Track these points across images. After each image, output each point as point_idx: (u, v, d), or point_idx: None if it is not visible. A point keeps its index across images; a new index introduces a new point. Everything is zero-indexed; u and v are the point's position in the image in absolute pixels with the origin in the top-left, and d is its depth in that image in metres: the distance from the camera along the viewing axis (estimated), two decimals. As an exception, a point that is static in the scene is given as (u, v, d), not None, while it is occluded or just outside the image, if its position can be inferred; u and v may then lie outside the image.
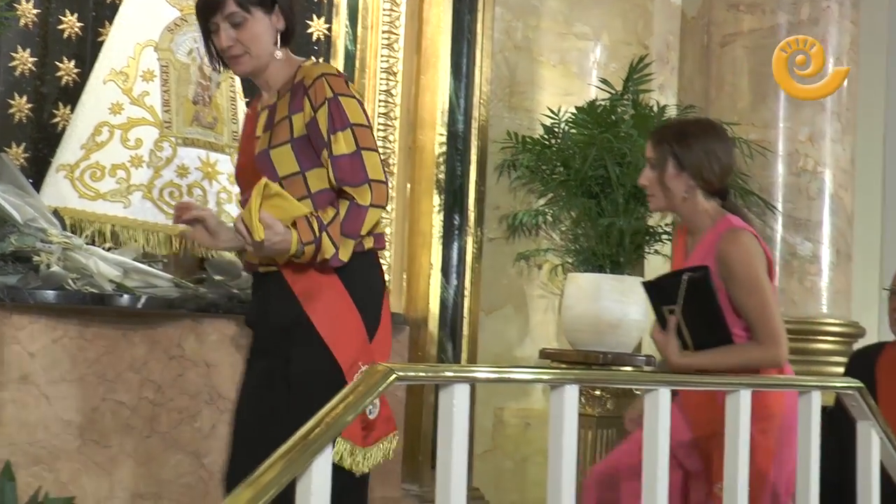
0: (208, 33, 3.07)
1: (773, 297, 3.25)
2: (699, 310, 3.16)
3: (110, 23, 4.39)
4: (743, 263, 3.21)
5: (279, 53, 3.07)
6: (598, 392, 4.63)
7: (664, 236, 5.05)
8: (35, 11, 4.34)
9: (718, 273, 3.21)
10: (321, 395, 2.50)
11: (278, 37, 3.06)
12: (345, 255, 2.91)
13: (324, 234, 2.88)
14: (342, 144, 2.92)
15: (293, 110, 2.97)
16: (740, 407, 2.73)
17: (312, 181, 2.96)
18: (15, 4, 4.20)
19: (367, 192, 2.92)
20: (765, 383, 3.02)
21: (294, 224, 2.87)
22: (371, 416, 3.02)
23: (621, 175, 4.69)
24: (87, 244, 3.93)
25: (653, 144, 3.36)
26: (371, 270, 3.06)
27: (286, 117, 2.98)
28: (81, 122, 4.17)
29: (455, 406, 2.21)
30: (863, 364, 4.16)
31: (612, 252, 4.82)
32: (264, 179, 2.86)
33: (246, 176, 3.10)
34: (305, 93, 2.95)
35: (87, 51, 4.44)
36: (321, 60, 4.83)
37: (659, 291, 3.28)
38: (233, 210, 4.17)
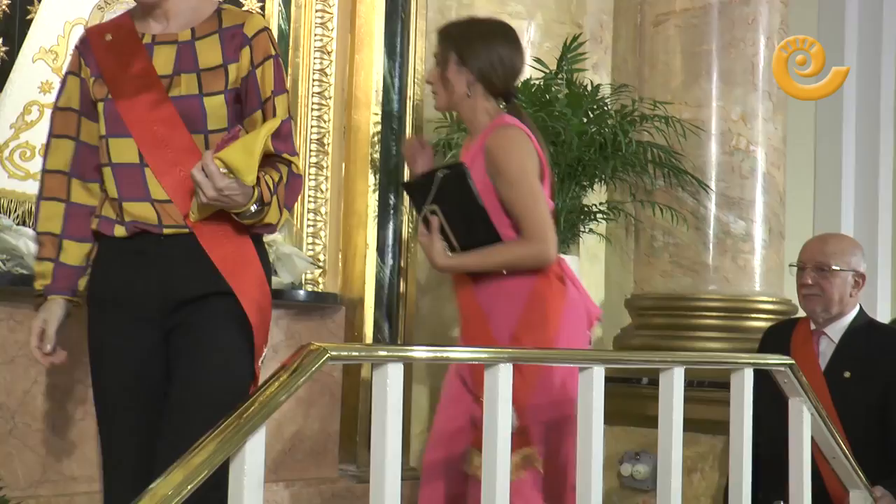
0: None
1: (539, 193, 3.24)
2: (462, 210, 3.18)
3: (39, 1, 4.33)
4: (508, 157, 3.22)
5: None
6: (533, 370, 4.65)
7: (599, 215, 5.08)
8: (-40, -11, 4.27)
9: (487, 170, 3.23)
10: (236, 374, 2.57)
11: None
12: (279, 225, 2.76)
13: (274, 196, 2.68)
14: (282, 108, 2.76)
15: (228, 59, 2.71)
16: (673, 385, 2.75)
17: None
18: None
19: (300, 161, 2.83)
20: (698, 360, 3.05)
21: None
22: None
23: (556, 154, 4.69)
24: (18, 225, 3.88)
25: (438, 41, 3.41)
26: (266, 252, 2.86)
27: (220, 66, 2.71)
28: (10, 102, 4.12)
29: (389, 385, 2.22)
30: (777, 341, 4.21)
31: (547, 231, 4.82)
32: (278, 119, 2.69)
33: (141, 121, 2.69)
34: (246, 43, 2.71)
35: (15, 29, 4.36)
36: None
37: (419, 192, 3.29)
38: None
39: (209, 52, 2.70)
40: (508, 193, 3.21)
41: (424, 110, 4.96)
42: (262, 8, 4.80)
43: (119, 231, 2.72)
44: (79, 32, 4.13)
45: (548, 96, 4.83)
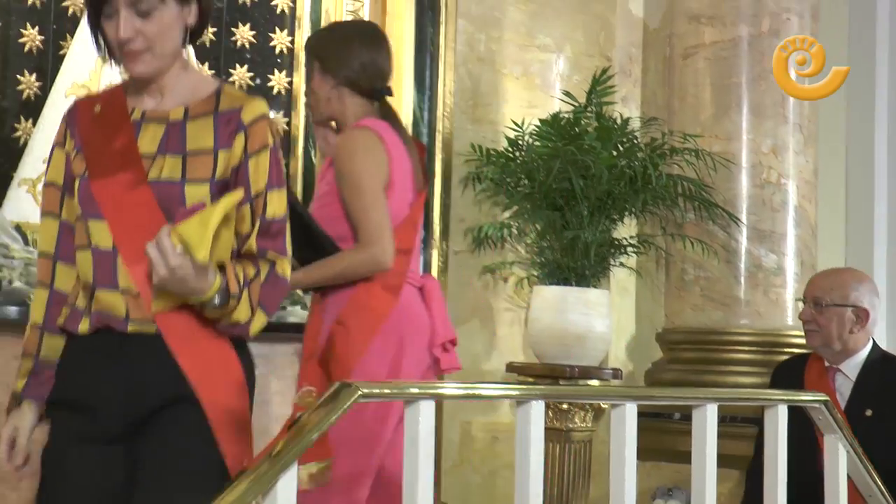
0: (98, 16, 2.42)
1: (378, 198, 3.17)
2: (292, 226, 3.07)
3: (71, 36, 4.36)
4: (344, 159, 3.17)
5: (183, 54, 2.52)
6: (564, 406, 4.62)
7: (629, 248, 5.06)
8: (-7, 25, 4.31)
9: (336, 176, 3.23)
10: (196, 490, 2.23)
11: (187, 34, 2.48)
12: (255, 328, 2.41)
13: (245, 291, 2.36)
14: (275, 205, 2.45)
15: (220, 145, 2.41)
16: (707, 421, 2.72)
17: None
18: (-28, 20, 4.17)
19: (288, 265, 2.46)
20: (731, 397, 3.02)
21: (221, 267, 2.34)
22: None
23: (585, 187, 4.69)
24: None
25: (305, 55, 3.45)
26: (250, 357, 2.54)
27: (210, 151, 2.40)
28: (42, 137, 4.14)
29: (421, 422, 2.20)
30: (789, 377, 4.16)
31: (577, 264, 4.81)
32: (240, 192, 2.34)
33: (115, 203, 2.40)
34: (242, 129, 2.41)
35: (48, 64, 4.40)
36: (283, 75, 4.81)
37: None
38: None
39: (200, 136, 2.41)
40: (345, 196, 3.18)
41: (454, 143, 4.96)
42: (292, 42, 4.82)
43: (83, 326, 2.42)
44: (111, 70, 4.15)
45: (577, 129, 4.83)
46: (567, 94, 5.02)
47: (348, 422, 3.04)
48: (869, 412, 3.95)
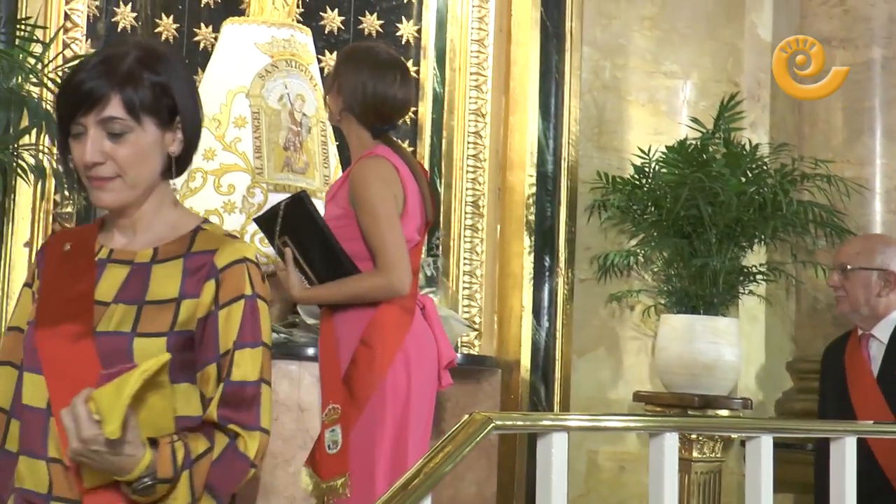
0: (66, 136, 2.05)
1: (394, 225, 3.24)
2: (313, 239, 3.20)
3: (202, 70, 4.45)
4: (361, 185, 3.22)
5: (163, 188, 2.12)
6: (693, 436, 4.55)
7: (759, 276, 4.98)
8: (130, 60, 4.41)
9: (350, 200, 3.25)
10: None
11: (171, 164, 2.08)
12: None
13: (187, 472, 1.93)
14: (246, 367, 2.02)
15: (185, 292, 2.02)
16: (846, 455, 2.66)
17: (179, 401, 1.98)
18: (111, 55, 4.27)
19: (256, 442, 2.01)
20: (872, 430, 2.94)
21: (152, 441, 1.91)
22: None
23: (714, 214, 4.63)
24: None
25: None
26: None
27: (173, 300, 2.02)
28: (176, 169, 4.23)
29: (553, 455, 2.19)
30: (834, 356, 4.09)
31: (705, 293, 4.75)
32: (167, 355, 1.89)
33: (55, 356, 2.02)
34: (213, 275, 2.03)
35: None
36: (410, 64, 4.83)
37: (268, 226, 3.29)
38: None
39: (164, 282, 2.04)
40: (363, 223, 3.23)
41: (579, 171, 4.94)
42: (417, 72, 4.85)
43: None
44: (241, 101, 4.23)
45: (705, 156, 4.77)
46: (695, 120, 4.97)
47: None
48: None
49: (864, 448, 3.16)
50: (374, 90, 3.33)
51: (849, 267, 3.98)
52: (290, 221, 3.20)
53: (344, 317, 3.29)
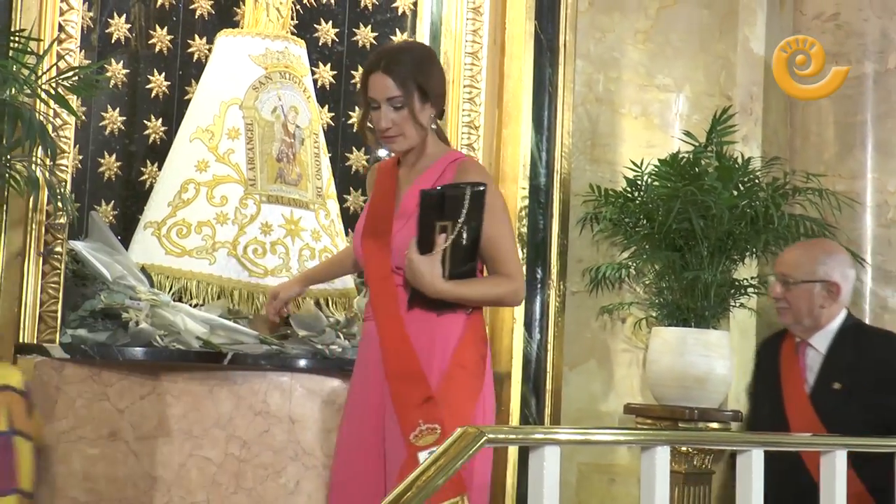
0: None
1: (511, 231, 3.28)
2: (470, 235, 3.03)
3: (196, 81, 4.46)
4: (493, 192, 3.14)
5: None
6: (684, 449, 4.56)
7: (750, 289, 4.99)
8: (124, 72, 4.42)
9: None
10: None
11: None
12: None
13: None
14: None
15: None
16: (836, 469, 2.67)
17: None
18: (106, 66, 4.28)
19: None
20: (861, 444, 2.95)
21: None
22: None
23: (706, 228, 4.64)
24: (174, 301, 3.97)
25: (397, 81, 3.13)
26: None
27: None
28: (168, 180, 4.23)
29: (545, 468, 2.19)
30: (768, 354, 4.10)
31: (696, 306, 4.77)
32: None
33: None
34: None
35: (173, 109, 4.51)
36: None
37: (435, 206, 3.00)
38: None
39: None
40: (491, 229, 3.09)
41: (572, 184, 4.95)
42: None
43: None
44: (234, 112, 4.24)
45: (697, 169, 4.79)
46: (687, 133, 4.98)
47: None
48: (837, 385, 3.81)
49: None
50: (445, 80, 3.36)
51: (790, 280, 3.93)
52: (465, 208, 3.00)
53: (427, 320, 3.10)
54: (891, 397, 3.73)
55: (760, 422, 3.97)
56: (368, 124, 3.25)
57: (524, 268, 4.78)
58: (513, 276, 3.17)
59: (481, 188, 3.00)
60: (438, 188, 3.04)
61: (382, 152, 4.47)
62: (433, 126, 3.23)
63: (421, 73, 3.16)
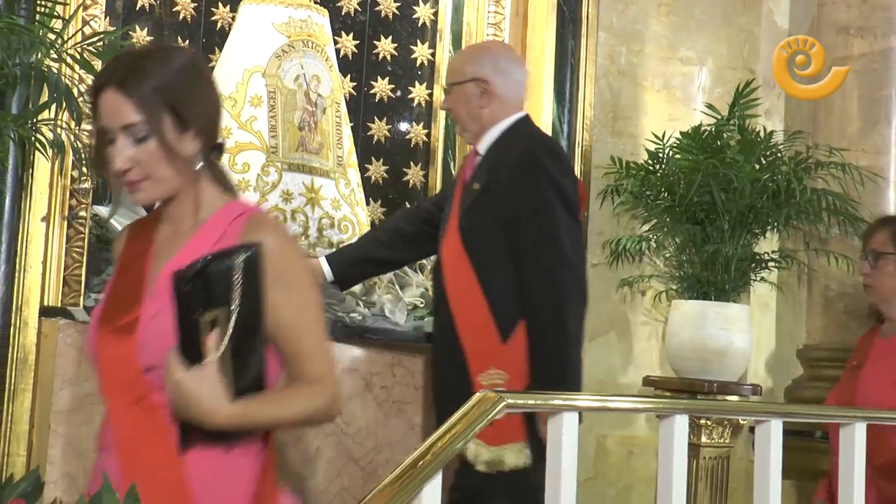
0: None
1: None
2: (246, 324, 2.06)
3: (220, 49, 4.47)
4: (288, 255, 2.18)
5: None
6: (702, 421, 4.57)
7: (771, 263, 4.98)
8: (148, 39, 4.43)
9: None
10: None
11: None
12: None
13: None
14: None
15: None
16: (854, 441, 2.67)
17: None
18: (130, 33, 4.29)
19: None
20: (881, 417, 2.95)
21: None
22: None
23: (727, 201, 4.63)
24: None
25: (136, 102, 2.16)
26: None
27: None
28: (191, 147, 4.25)
29: (564, 434, 2.20)
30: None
31: (717, 279, 4.76)
32: None
33: None
34: None
35: (197, 77, 4.51)
36: (423, 87, 4.85)
37: (194, 290, 2.04)
38: (333, 236, 4.20)
39: None
40: (288, 311, 2.15)
41: (593, 156, 4.95)
42: (433, 55, 4.86)
43: None
44: (257, 80, 4.24)
45: (719, 143, 4.78)
46: (709, 106, 4.97)
47: None
48: (476, 185, 3.56)
49: None
50: None
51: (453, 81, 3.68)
52: (239, 286, 2.05)
53: (232, 458, 2.12)
54: (518, 195, 3.48)
55: None
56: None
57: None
58: (322, 381, 2.16)
59: (249, 254, 2.06)
60: (197, 262, 2.04)
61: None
62: (202, 165, 2.21)
63: (174, 88, 2.18)
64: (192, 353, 2.02)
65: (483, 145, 3.64)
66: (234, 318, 2.02)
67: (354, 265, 3.90)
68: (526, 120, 3.74)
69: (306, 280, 2.22)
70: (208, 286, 2.02)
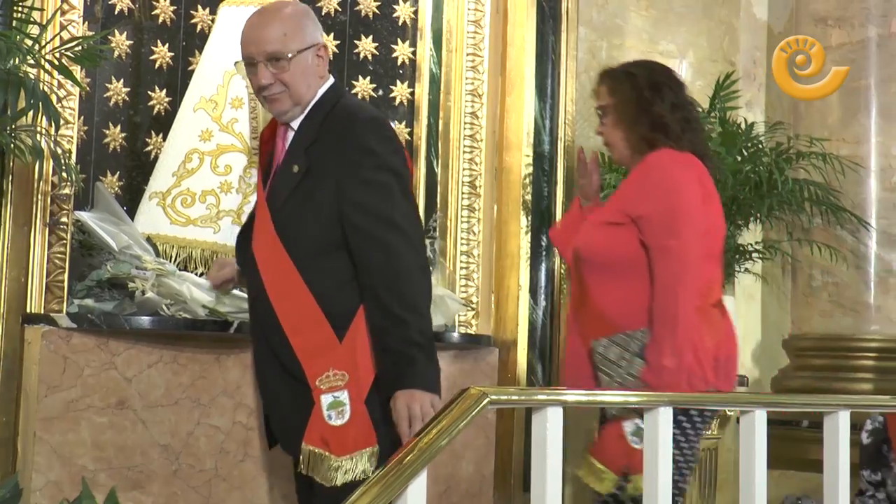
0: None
1: None
2: None
3: (200, 52, 4.46)
4: None
5: None
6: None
7: (755, 254, 4.99)
8: (128, 43, 4.42)
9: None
10: None
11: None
12: None
13: None
14: None
15: None
16: (839, 429, 2.68)
17: None
18: (109, 37, 4.28)
19: None
20: (864, 404, 2.96)
21: None
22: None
23: (710, 193, 4.64)
24: (180, 270, 3.99)
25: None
26: None
27: None
28: (173, 150, 4.24)
29: (548, 429, 2.21)
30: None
31: (700, 271, 4.76)
32: None
33: None
34: None
35: (177, 80, 4.51)
36: (405, 86, 4.85)
37: None
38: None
39: None
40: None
41: (576, 151, 4.95)
42: (414, 54, 4.86)
43: None
44: (237, 82, 4.24)
45: (701, 135, 4.78)
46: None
47: None
48: (296, 168, 3.08)
49: None
50: None
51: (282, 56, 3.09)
52: None
53: None
54: (346, 178, 3.04)
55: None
56: None
57: (528, 236, 4.79)
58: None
59: None
60: None
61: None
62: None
63: None
64: None
65: (295, 119, 3.18)
66: None
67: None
68: (336, 88, 3.26)
69: None
70: None
